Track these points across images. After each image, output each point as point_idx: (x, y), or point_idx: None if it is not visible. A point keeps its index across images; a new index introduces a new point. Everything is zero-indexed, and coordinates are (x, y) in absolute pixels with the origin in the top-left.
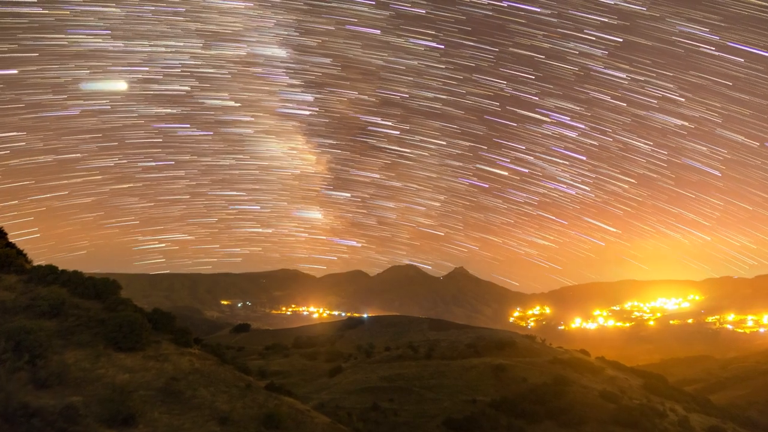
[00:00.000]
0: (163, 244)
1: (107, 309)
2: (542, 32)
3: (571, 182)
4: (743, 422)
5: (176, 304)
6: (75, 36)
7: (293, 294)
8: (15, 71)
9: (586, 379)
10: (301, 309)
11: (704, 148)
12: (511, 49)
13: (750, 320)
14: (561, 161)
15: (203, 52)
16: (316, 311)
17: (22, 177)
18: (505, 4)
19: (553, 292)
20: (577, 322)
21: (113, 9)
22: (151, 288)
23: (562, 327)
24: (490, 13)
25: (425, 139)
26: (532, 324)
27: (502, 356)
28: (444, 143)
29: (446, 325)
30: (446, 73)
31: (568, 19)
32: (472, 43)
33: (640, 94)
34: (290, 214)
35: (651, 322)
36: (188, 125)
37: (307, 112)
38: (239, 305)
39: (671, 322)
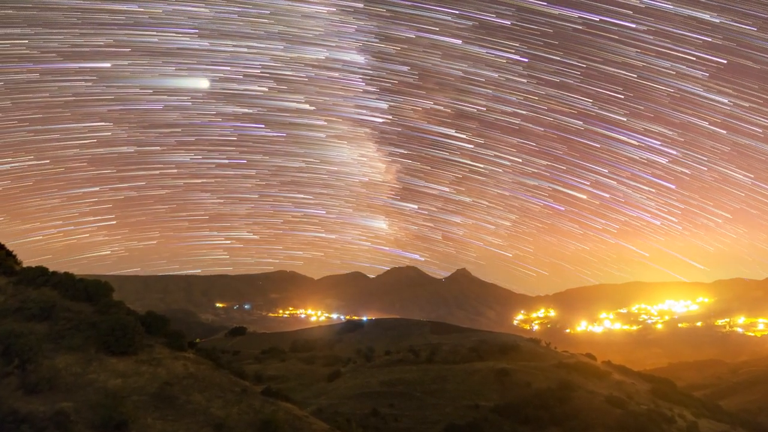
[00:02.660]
0: (229, 241)
1: (99, 312)
2: (636, 49)
3: (657, 212)
4: (754, 428)
5: (171, 306)
6: (165, 33)
7: (290, 296)
8: (108, 65)
9: (592, 384)
10: (298, 312)
11: None
12: (599, 65)
13: (761, 323)
14: (647, 188)
15: (283, 54)
16: (314, 314)
17: (105, 165)
18: (596, 18)
19: (558, 294)
20: (582, 325)
21: (202, 9)
22: (145, 290)
23: (568, 330)
24: (580, 27)
25: (500, 154)
26: (536, 327)
27: (505, 360)
28: (519, 160)
29: (448, 328)
30: (528, 88)
31: (666, 37)
32: (557, 58)
33: (743, 122)
34: (355, 221)
35: (659, 325)
36: (262, 125)
37: (380, 120)
38: (235, 308)
39: (680, 325)
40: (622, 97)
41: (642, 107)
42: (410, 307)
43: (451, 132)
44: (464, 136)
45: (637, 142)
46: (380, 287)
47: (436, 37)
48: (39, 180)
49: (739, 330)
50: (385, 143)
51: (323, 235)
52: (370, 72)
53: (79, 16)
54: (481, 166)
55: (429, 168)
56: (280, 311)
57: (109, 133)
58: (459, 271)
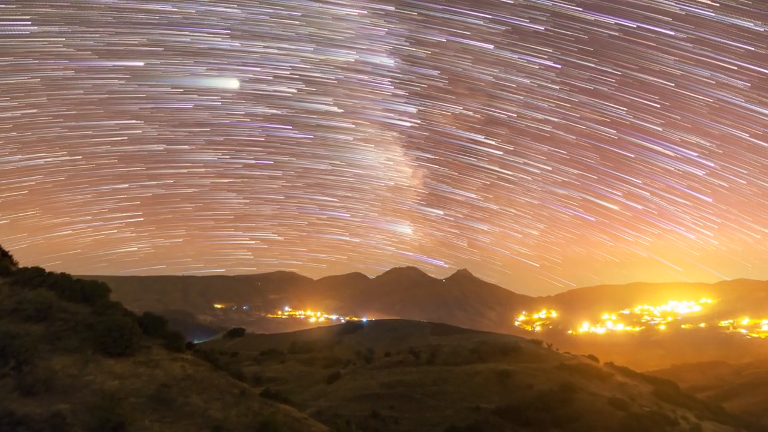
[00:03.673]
0: (253, 242)
1: (96, 313)
2: (674, 57)
3: (692, 226)
4: (758, 430)
5: (168, 307)
6: (198, 34)
7: (289, 297)
8: (141, 63)
9: (594, 386)
10: (297, 313)
11: None
12: (636, 73)
13: (765, 324)
14: (682, 201)
15: (313, 56)
16: (313, 315)
17: (135, 163)
18: (634, 24)
19: (560, 295)
20: (584, 327)
21: (234, 10)
22: (142, 291)
23: (570, 331)
24: (616, 34)
25: (530, 162)
26: (538, 328)
27: (506, 362)
28: (549, 168)
29: (449, 329)
30: (560, 95)
31: (706, 45)
32: (592, 65)
33: None
34: (380, 225)
35: (662, 327)
36: (290, 127)
37: (408, 124)
38: (233, 309)
39: (683, 326)
40: (659, 106)
41: (679, 117)
42: (410, 308)
43: (481, 138)
44: (493, 143)
45: (674, 153)
46: (380, 288)
47: (467, 41)
48: (71, 175)
49: (743, 331)
50: (412, 147)
51: (347, 238)
52: (400, 75)
53: (114, 15)
54: (510, 173)
55: (456, 174)
56: (279, 312)
57: (140, 131)
58: (460, 271)
